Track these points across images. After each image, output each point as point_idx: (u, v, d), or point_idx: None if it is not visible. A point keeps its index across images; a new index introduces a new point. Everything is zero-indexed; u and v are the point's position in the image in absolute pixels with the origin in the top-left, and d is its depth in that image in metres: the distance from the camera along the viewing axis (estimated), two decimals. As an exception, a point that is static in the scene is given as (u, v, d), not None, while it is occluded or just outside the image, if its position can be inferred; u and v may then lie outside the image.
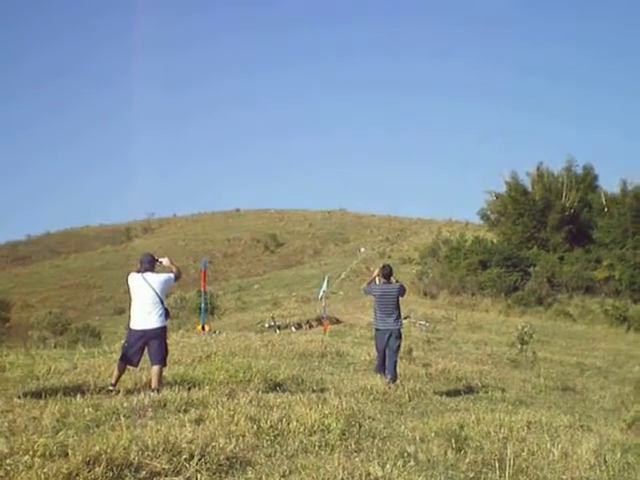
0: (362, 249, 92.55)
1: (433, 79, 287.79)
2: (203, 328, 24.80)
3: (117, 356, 10.59)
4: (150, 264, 10.26)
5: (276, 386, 10.90)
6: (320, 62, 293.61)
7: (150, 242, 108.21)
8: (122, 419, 7.24)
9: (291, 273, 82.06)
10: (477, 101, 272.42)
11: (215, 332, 24.54)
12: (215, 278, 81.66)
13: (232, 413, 7.90)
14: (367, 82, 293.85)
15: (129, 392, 9.50)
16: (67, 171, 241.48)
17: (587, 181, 59.76)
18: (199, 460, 6.01)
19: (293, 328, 31.35)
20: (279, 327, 31.51)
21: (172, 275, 10.31)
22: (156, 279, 10.08)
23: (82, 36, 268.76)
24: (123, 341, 10.96)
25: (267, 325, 32.81)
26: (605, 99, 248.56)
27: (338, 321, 33.24)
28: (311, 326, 32.43)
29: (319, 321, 31.74)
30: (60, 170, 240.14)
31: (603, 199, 57.40)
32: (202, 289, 27.79)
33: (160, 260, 10.43)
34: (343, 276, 64.22)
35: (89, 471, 5.44)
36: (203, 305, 26.33)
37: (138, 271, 10.22)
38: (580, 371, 21.09)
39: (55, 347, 20.90)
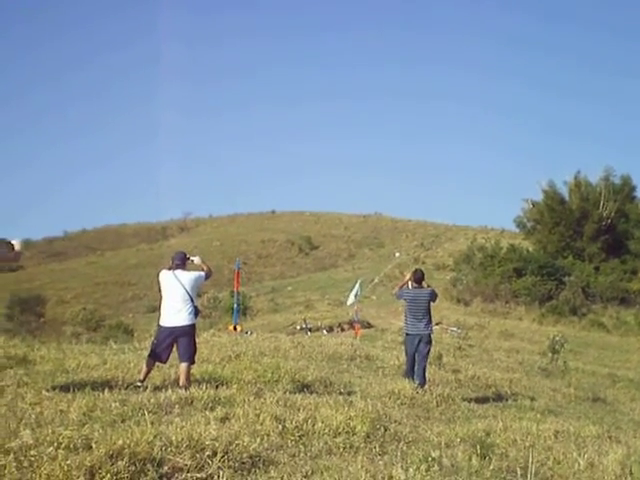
0: (397, 254, 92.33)
1: (469, 90, 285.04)
2: (235, 328, 24.94)
3: (147, 353, 10.64)
4: (182, 261, 10.33)
5: (304, 387, 10.93)
6: (354, 68, 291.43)
7: (186, 241, 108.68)
8: (148, 415, 7.29)
9: (325, 276, 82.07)
10: (515, 114, 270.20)
11: (247, 332, 24.63)
12: (249, 279, 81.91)
13: (258, 412, 7.91)
14: (402, 91, 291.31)
15: (157, 388, 9.57)
16: (107, 169, 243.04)
17: (625, 191, 59.03)
18: (222, 457, 6.03)
19: (324, 331, 31.38)
20: (310, 329, 31.55)
21: (203, 273, 10.37)
22: (187, 277, 10.14)
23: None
24: (153, 338, 11.04)
25: (298, 327, 32.87)
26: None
27: (370, 325, 33.20)
28: (342, 329, 32.43)
29: (351, 325, 31.72)
30: (100, 167, 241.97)
31: (641, 210, 56.76)
32: (235, 289, 27.96)
33: (192, 258, 10.50)
34: (376, 281, 64.11)
35: (112, 464, 5.47)
36: (235, 305, 26.50)
37: (169, 268, 10.29)
38: (612, 382, 20.88)
39: (87, 343, 21.07)
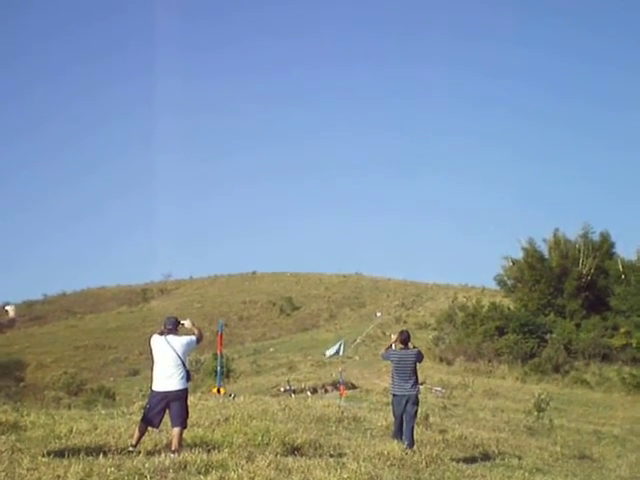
0: (378, 314, 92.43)
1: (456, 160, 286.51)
2: (218, 391, 24.84)
3: (136, 417, 10.72)
4: (173, 326, 10.44)
5: (294, 450, 10.97)
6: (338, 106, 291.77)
7: (166, 304, 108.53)
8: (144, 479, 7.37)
9: (307, 337, 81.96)
10: (498, 167, 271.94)
11: (231, 395, 24.56)
12: (230, 341, 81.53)
13: (252, 476, 8.00)
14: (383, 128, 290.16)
15: (150, 453, 9.62)
16: (85, 230, 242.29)
17: (604, 248, 59.67)
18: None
19: (308, 392, 31.31)
20: (294, 391, 31.48)
21: (194, 337, 10.47)
22: (178, 342, 10.25)
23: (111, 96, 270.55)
24: (143, 402, 11.10)
25: (283, 389, 32.80)
26: (622, 166, 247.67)
27: (354, 386, 33.20)
28: (326, 391, 32.41)
29: (334, 386, 31.72)
30: (78, 230, 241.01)
31: (620, 266, 57.23)
32: (218, 352, 27.90)
33: (182, 322, 10.62)
34: (359, 341, 64.10)
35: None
36: (219, 368, 26.41)
37: (161, 333, 10.39)
38: (597, 439, 20.93)
39: (70, 408, 20.98)
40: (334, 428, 15.73)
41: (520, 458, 14.23)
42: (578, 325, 53.66)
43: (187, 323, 10.63)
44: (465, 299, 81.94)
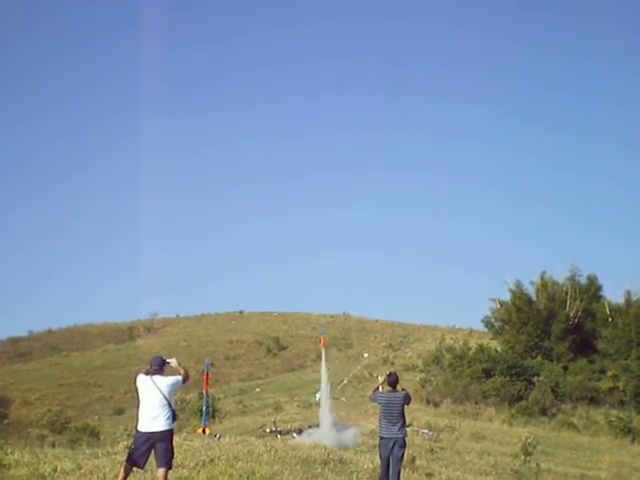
0: (365, 355, 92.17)
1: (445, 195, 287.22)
2: (204, 431, 24.72)
3: (121, 457, 10.66)
4: (159, 367, 10.41)
5: (279, 492, 10.91)
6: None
7: (153, 342, 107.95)
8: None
9: (293, 377, 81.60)
10: (486, 207, 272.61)
11: (216, 436, 24.44)
12: (216, 380, 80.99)
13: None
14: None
15: (134, 494, 9.54)
16: (72, 267, 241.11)
17: (591, 291, 59.86)
18: None
19: (294, 434, 31.11)
20: (280, 432, 31.29)
21: (180, 377, 10.44)
22: (164, 382, 10.21)
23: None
24: (128, 442, 11.03)
25: (268, 430, 32.59)
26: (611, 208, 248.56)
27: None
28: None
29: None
30: (65, 266, 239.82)
31: (607, 309, 57.36)
32: (204, 391, 27.78)
33: (168, 360, 10.58)
34: (345, 382, 63.80)
35: None
36: (205, 408, 26.31)
37: (147, 373, 10.35)
38: (584, 484, 20.90)
39: (54, 446, 20.85)
40: (320, 470, 15.64)
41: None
42: (565, 368, 53.61)
43: (173, 362, 10.61)
44: (452, 341, 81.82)
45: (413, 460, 17.93)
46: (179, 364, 10.58)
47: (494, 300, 64.27)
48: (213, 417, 37.64)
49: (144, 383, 10.27)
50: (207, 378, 27.08)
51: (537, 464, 21.68)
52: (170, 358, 10.67)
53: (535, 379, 49.70)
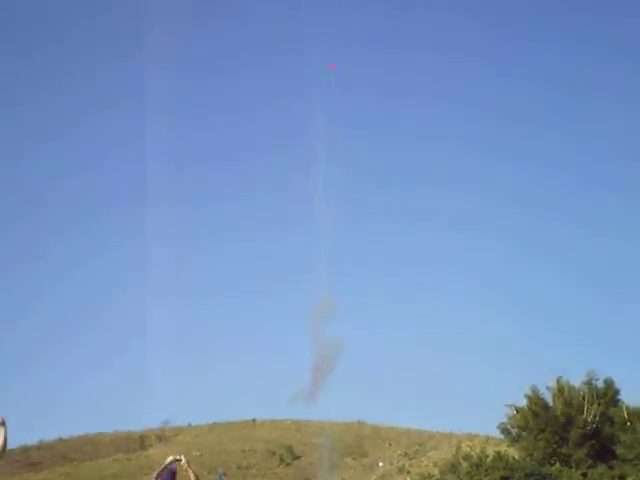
0: (380, 463, 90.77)
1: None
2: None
3: None
4: (170, 478, 10.27)
5: None
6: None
7: (164, 451, 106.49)
8: None
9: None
10: (499, 314, 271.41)
11: None
12: (229, 489, 79.82)
13: None
14: None
15: None
16: (83, 375, 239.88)
17: (609, 395, 59.13)
18: None
19: None
20: None
21: None
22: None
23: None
24: None
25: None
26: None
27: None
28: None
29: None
30: (75, 374, 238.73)
31: (625, 413, 56.58)
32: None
33: (179, 458, 10.37)
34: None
35: None
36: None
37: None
38: None
39: None
40: None
41: None
42: (585, 475, 52.59)
43: (183, 461, 10.41)
44: (469, 448, 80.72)
45: None
46: (189, 465, 10.32)
47: (510, 406, 63.54)
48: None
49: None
50: (220, 486, 26.75)
51: None
52: (180, 455, 10.50)
53: (554, 487, 48.77)
